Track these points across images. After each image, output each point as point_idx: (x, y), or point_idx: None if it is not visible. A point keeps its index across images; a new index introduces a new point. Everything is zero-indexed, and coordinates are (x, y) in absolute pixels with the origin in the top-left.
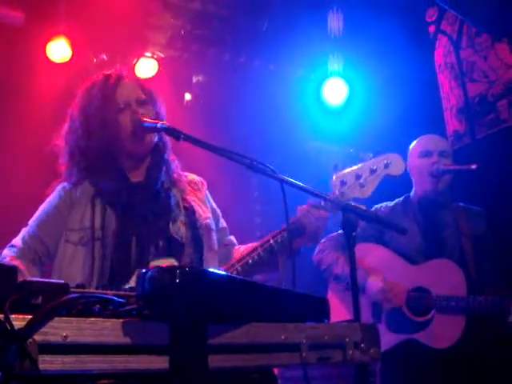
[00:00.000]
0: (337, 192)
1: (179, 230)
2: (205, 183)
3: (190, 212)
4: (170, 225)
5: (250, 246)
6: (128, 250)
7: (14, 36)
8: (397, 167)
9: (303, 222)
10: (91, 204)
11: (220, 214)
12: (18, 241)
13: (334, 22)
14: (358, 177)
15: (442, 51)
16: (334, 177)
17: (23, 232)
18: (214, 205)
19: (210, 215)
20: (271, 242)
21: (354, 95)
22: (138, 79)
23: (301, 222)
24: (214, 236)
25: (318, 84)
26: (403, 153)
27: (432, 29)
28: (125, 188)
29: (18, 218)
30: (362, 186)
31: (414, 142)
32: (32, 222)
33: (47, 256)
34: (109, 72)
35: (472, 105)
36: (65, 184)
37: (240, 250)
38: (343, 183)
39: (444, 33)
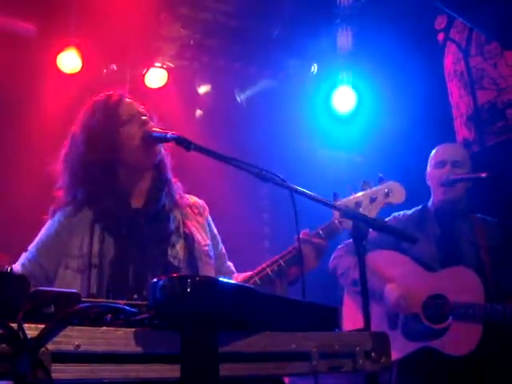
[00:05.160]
0: (336, 220)
1: (177, 255)
2: (207, 208)
3: (189, 238)
4: (169, 250)
5: (248, 274)
6: (125, 278)
7: (25, 47)
8: (397, 196)
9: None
10: (90, 230)
11: (220, 240)
12: (17, 267)
13: (344, 38)
14: (357, 205)
15: (451, 59)
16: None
17: (23, 258)
18: (215, 230)
19: (208, 242)
20: (267, 270)
21: (363, 103)
22: (137, 100)
23: (297, 251)
24: (212, 263)
25: (328, 92)
26: (411, 162)
27: (441, 37)
28: (124, 214)
29: (21, 235)
30: None
31: (432, 151)
32: (32, 247)
33: (46, 281)
34: (110, 92)
35: (481, 112)
36: (65, 209)
37: (239, 278)
38: None
39: (453, 40)
